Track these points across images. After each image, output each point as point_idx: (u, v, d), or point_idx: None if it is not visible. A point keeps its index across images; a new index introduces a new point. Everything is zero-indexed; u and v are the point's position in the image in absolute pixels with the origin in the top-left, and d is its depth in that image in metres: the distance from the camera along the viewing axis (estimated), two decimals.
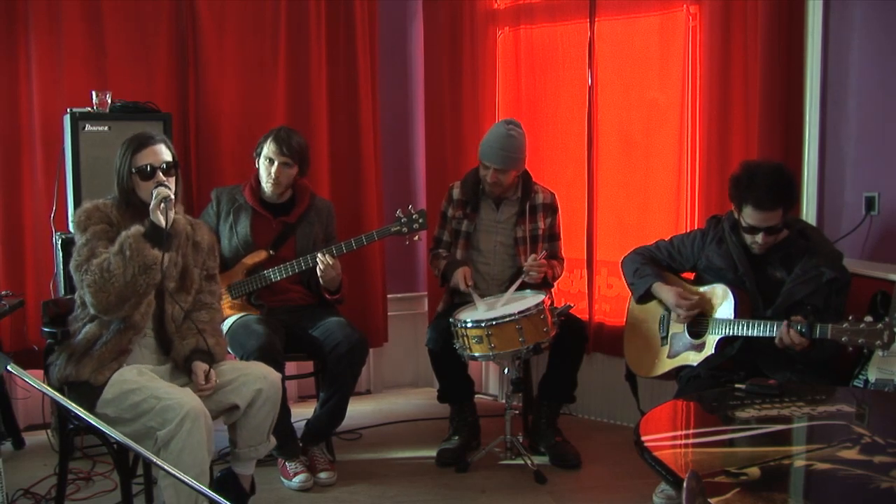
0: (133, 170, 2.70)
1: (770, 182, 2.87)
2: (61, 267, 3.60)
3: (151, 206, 2.63)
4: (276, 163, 3.48)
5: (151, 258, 2.57)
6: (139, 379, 2.61)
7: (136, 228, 2.60)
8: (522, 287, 3.49)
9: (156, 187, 2.67)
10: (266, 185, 3.53)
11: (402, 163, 4.82)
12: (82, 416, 1.90)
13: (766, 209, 2.88)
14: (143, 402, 2.53)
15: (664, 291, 3.15)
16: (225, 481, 2.84)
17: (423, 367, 4.45)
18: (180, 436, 2.46)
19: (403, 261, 4.73)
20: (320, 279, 3.46)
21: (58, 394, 1.97)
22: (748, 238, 2.98)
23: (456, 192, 3.80)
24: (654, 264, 3.27)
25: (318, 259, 3.40)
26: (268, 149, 3.50)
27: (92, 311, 2.61)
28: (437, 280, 3.88)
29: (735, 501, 1.74)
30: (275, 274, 3.48)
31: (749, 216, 2.92)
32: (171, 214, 2.64)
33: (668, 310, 3.19)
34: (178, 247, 2.79)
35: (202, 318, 2.84)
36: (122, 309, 2.59)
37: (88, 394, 2.57)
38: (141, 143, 2.72)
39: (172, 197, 2.65)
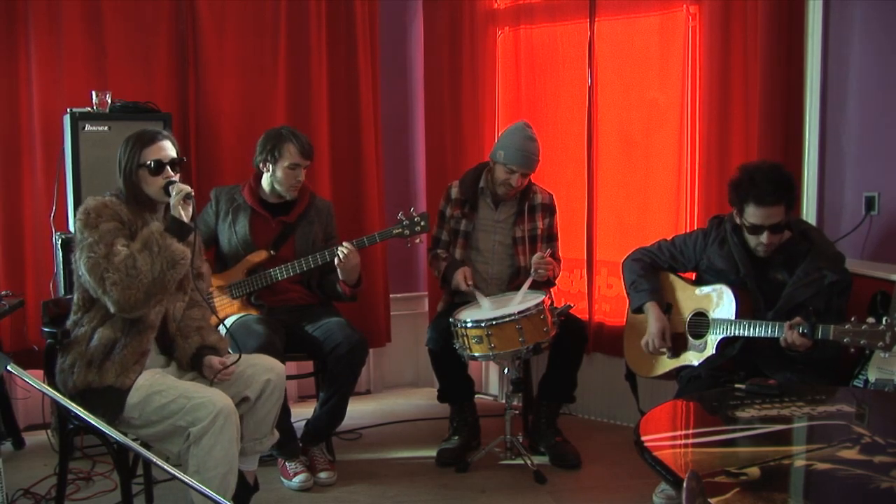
0: (140, 165, 2.70)
1: (770, 178, 2.88)
2: (61, 267, 3.60)
3: (173, 201, 2.64)
4: (300, 168, 3.49)
5: (180, 253, 2.59)
6: (164, 380, 2.63)
7: (158, 225, 2.62)
8: (533, 286, 3.48)
9: (170, 184, 2.68)
10: (286, 191, 3.52)
11: (403, 163, 4.82)
12: (82, 416, 1.90)
13: (769, 204, 2.87)
14: (171, 402, 2.54)
15: (652, 317, 3.15)
16: None
17: (424, 367, 4.45)
18: (213, 432, 2.50)
19: (404, 261, 4.73)
20: (339, 271, 3.44)
21: (58, 394, 1.97)
22: (753, 240, 2.97)
23: (454, 192, 3.80)
24: (654, 273, 3.26)
25: (342, 246, 3.39)
26: (291, 155, 3.46)
27: (113, 309, 2.57)
28: (437, 280, 3.88)
29: (735, 501, 1.74)
30: (276, 273, 3.48)
31: (752, 215, 2.92)
32: (191, 210, 2.67)
33: (667, 311, 3.19)
34: None
35: (195, 316, 2.87)
36: (148, 305, 2.60)
37: (115, 398, 2.56)
38: (149, 138, 2.73)
39: (192, 192, 2.67)
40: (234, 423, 2.56)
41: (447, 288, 3.75)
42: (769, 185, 2.87)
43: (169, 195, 2.69)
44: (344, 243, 3.41)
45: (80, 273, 2.62)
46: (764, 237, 2.92)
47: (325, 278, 3.62)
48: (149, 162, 2.69)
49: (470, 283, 3.59)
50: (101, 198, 2.68)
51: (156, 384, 2.60)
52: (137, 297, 2.54)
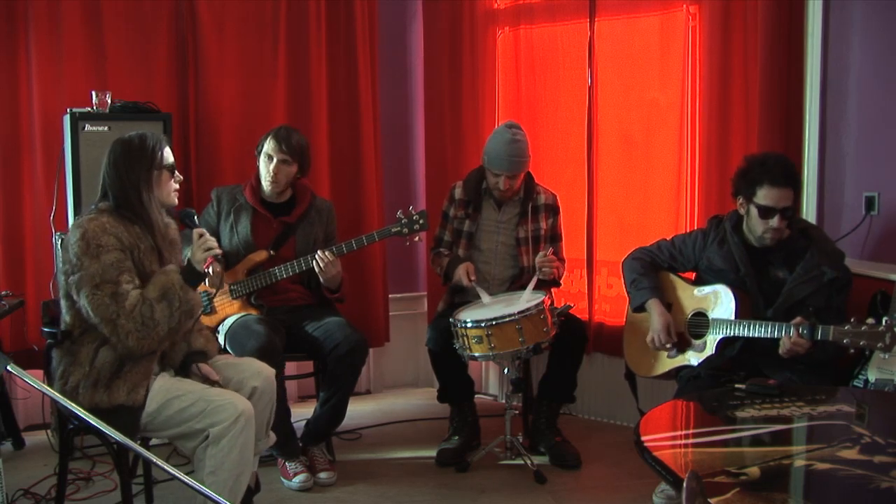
0: (164, 165, 2.69)
1: (781, 161, 2.96)
2: None
3: (198, 256, 2.61)
4: (274, 160, 3.49)
5: (197, 302, 2.61)
6: (180, 385, 2.63)
7: (175, 273, 2.58)
8: (538, 286, 3.48)
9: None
10: (265, 182, 3.54)
11: (402, 163, 4.82)
12: (82, 416, 1.90)
13: (782, 185, 2.91)
14: (191, 405, 2.54)
15: (655, 313, 3.14)
16: None
17: (423, 367, 4.45)
18: (233, 433, 2.50)
19: (403, 261, 4.73)
20: (320, 277, 3.46)
21: (57, 394, 1.97)
22: (762, 226, 2.96)
23: (458, 192, 3.80)
24: (654, 272, 3.26)
25: (317, 256, 3.40)
26: (267, 146, 3.51)
27: (122, 352, 2.55)
28: (437, 280, 3.88)
29: (735, 501, 1.74)
30: (277, 273, 3.48)
31: (765, 197, 2.92)
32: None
33: (667, 310, 3.19)
34: None
35: None
36: (161, 346, 2.61)
37: (129, 414, 2.52)
38: (163, 142, 2.73)
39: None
40: (253, 427, 2.57)
41: (449, 285, 3.75)
42: (781, 168, 2.93)
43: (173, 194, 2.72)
44: (318, 253, 3.40)
45: (80, 304, 2.55)
46: (775, 221, 2.92)
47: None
48: (170, 163, 2.71)
49: (473, 278, 3.59)
50: (95, 217, 2.57)
51: (172, 389, 2.59)
52: (152, 345, 2.55)
